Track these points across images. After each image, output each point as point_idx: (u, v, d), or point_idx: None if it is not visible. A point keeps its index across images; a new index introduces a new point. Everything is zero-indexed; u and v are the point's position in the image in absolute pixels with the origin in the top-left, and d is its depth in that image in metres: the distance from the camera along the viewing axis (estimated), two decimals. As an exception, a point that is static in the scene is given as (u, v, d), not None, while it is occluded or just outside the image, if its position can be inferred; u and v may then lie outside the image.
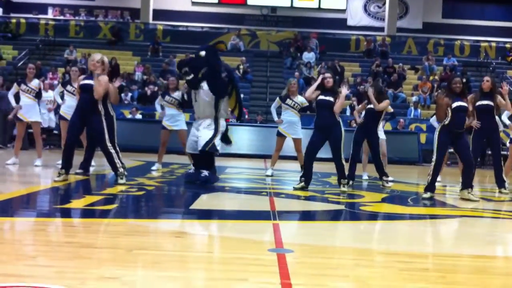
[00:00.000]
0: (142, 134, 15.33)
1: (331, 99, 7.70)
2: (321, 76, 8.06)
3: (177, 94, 9.80)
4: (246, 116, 17.56)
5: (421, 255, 4.06)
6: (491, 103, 8.37)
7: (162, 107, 9.98)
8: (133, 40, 24.77)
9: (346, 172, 7.97)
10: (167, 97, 9.86)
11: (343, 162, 7.70)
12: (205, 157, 7.73)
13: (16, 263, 3.29)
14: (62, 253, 3.59)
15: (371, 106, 8.67)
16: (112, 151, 7.38)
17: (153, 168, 10.01)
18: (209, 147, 7.57)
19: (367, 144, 8.91)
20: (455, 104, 7.23)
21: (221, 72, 7.75)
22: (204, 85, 7.64)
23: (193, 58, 7.90)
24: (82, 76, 7.74)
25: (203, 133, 7.64)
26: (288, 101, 9.65)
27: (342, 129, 7.74)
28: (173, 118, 9.82)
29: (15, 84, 10.06)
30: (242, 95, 8.58)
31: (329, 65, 21.05)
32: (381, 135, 9.75)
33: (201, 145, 7.59)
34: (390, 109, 10.21)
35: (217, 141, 7.66)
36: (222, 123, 7.81)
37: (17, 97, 9.93)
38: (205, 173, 7.73)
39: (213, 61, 7.71)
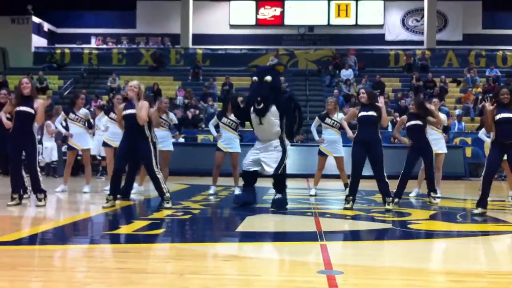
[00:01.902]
0: (185, 158, 15.49)
1: (373, 113, 7.59)
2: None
3: (234, 117, 9.37)
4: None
5: (476, 273, 3.95)
6: None
7: (218, 130, 9.76)
8: (174, 65, 25.27)
9: (393, 189, 7.82)
10: (224, 119, 9.57)
11: (386, 180, 7.54)
12: (278, 180, 7.67)
13: (72, 290, 3.37)
14: (115, 279, 3.65)
15: (415, 122, 8.51)
16: (159, 176, 7.51)
17: (210, 191, 9.78)
18: (281, 168, 7.57)
19: (423, 160, 8.76)
20: (498, 116, 7.10)
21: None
22: (271, 108, 7.56)
23: (260, 84, 7.62)
24: (122, 105, 7.82)
25: (272, 155, 7.59)
26: (327, 120, 9.59)
27: (382, 146, 7.62)
28: (228, 140, 9.58)
29: (62, 113, 10.28)
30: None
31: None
32: (443, 149, 9.57)
33: (273, 168, 7.55)
34: (445, 122, 10.09)
35: (286, 161, 7.67)
36: (288, 142, 7.78)
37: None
38: (278, 195, 7.68)
39: (279, 85, 7.79)
